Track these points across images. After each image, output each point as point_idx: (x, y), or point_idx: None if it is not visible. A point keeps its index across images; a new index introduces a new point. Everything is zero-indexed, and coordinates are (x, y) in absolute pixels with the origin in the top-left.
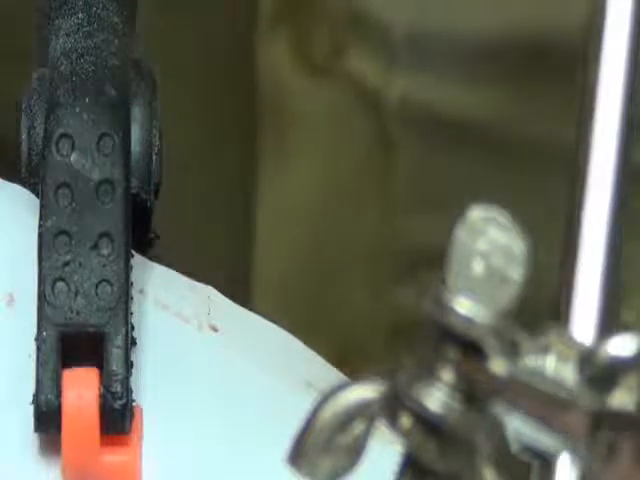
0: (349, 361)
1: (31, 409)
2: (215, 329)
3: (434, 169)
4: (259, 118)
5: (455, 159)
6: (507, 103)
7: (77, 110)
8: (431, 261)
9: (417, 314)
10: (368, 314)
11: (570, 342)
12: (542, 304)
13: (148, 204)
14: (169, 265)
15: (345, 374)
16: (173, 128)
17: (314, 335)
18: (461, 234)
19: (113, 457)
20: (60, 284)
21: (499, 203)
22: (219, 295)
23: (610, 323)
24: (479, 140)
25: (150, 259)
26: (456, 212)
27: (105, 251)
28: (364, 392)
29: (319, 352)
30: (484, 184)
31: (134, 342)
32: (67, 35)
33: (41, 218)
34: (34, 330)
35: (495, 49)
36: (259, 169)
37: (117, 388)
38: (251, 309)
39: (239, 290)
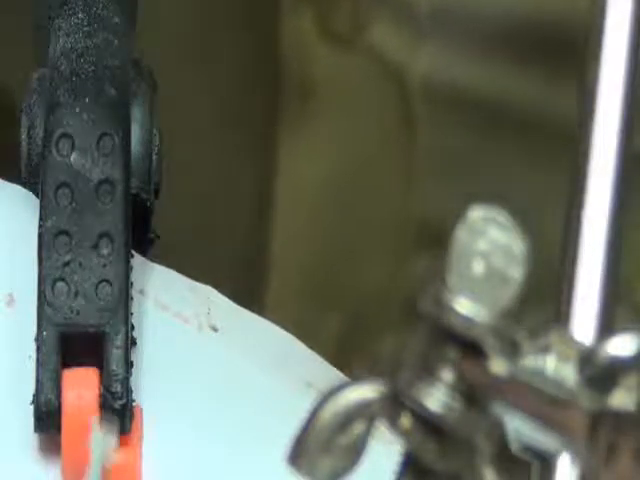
0: (368, 332)
1: (31, 409)
2: (215, 329)
3: (455, 143)
4: (282, 90)
5: (476, 134)
6: (529, 82)
7: (77, 110)
8: (449, 235)
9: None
10: (387, 285)
11: (570, 342)
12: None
13: (148, 204)
14: (184, 231)
15: (364, 344)
16: (191, 103)
17: (332, 306)
18: (461, 234)
19: (113, 457)
20: (60, 284)
21: (516, 180)
22: (219, 295)
23: (610, 323)
24: (500, 117)
25: (150, 259)
26: (474, 187)
27: (105, 251)
28: (364, 392)
29: (338, 324)
30: (503, 160)
31: (134, 342)
32: (67, 35)
33: (41, 218)
34: (34, 330)
35: (519, 27)
36: (281, 141)
37: (117, 388)
38: (269, 279)
39: (257, 261)
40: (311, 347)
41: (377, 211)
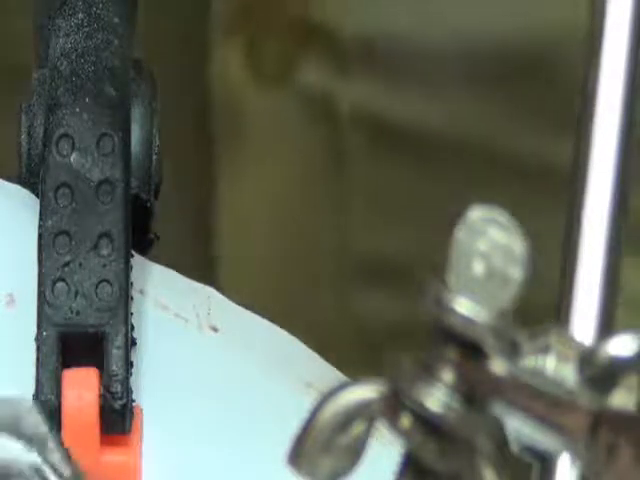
0: None
1: None
2: (215, 329)
3: (386, 178)
4: (213, 128)
5: (409, 168)
6: (461, 112)
7: (77, 110)
8: (386, 271)
9: (376, 321)
10: (328, 321)
11: (570, 342)
12: (542, 304)
13: (148, 204)
14: None
15: None
16: None
17: None
18: (461, 234)
19: (113, 457)
20: (60, 284)
21: (452, 214)
22: (219, 295)
23: (610, 323)
24: (433, 149)
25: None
26: (407, 220)
27: (105, 251)
28: (364, 392)
29: None
30: (436, 193)
31: (134, 342)
32: (67, 35)
33: (41, 218)
34: (34, 330)
35: (449, 57)
36: (215, 179)
37: (117, 388)
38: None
39: None
40: None
41: (316, 246)
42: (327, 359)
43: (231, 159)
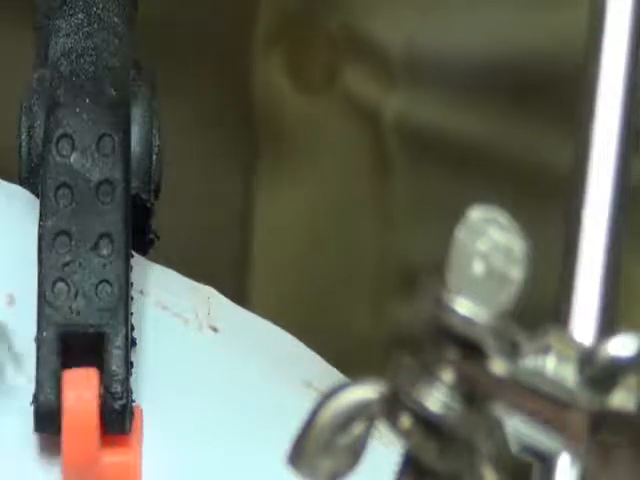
0: (350, 374)
1: (31, 409)
2: (215, 329)
3: (431, 188)
4: (255, 138)
5: (451, 178)
6: (504, 124)
7: (77, 110)
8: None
9: (414, 330)
10: (366, 332)
11: (570, 342)
12: (542, 304)
13: (148, 204)
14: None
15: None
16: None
17: (314, 349)
18: (461, 234)
19: (113, 457)
20: (60, 284)
21: None
22: (219, 295)
23: (610, 323)
24: (476, 160)
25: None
26: (449, 230)
27: (105, 251)
28: (364, 392)
29: None
30: (480, 203)
31: (134, 342)
32: (67, 35)
33: (41, 218)
34: (34, 330)
35: (493, 70)
36: (256, 189)
37: (117, 388)
38: None
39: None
40: None
41: (356, 255)
42: (365, 368)
43: (273, 168)
